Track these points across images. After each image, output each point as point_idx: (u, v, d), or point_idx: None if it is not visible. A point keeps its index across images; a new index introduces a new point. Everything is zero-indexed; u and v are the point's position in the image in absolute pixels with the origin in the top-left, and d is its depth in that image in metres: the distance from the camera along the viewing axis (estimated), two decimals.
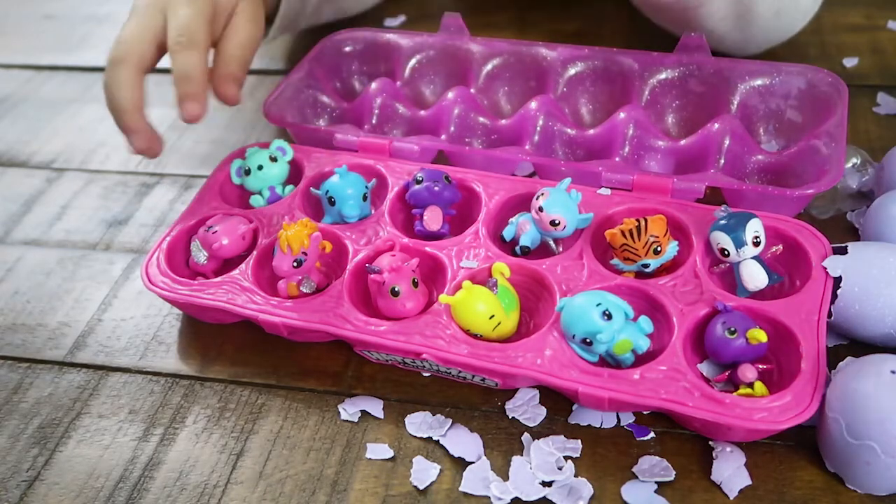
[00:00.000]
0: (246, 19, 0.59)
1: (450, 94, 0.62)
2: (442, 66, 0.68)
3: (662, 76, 0.61)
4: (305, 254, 0.50)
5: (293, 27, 0.74)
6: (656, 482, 0.43)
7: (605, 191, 0.54)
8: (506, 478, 0.44)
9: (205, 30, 0.55)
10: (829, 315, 0.46)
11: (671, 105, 0.62)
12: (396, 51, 0.68)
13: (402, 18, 0.85)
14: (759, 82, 0.59)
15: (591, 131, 0.60)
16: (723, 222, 0.48)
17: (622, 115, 0.58)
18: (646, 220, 0.48)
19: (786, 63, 0.59)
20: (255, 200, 0.58)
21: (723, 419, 0.42)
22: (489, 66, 0.66)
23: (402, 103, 0.65)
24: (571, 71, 0.63)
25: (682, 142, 0.58)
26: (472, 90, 0.65)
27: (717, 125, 0.56)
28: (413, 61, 0.68)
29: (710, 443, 0.44)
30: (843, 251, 0.47)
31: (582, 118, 0.64)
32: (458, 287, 0.48)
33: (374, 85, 0.65)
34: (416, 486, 0.44)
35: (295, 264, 0.50)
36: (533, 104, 0.60)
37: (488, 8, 0.84)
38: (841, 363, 0.46)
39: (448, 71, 0.68)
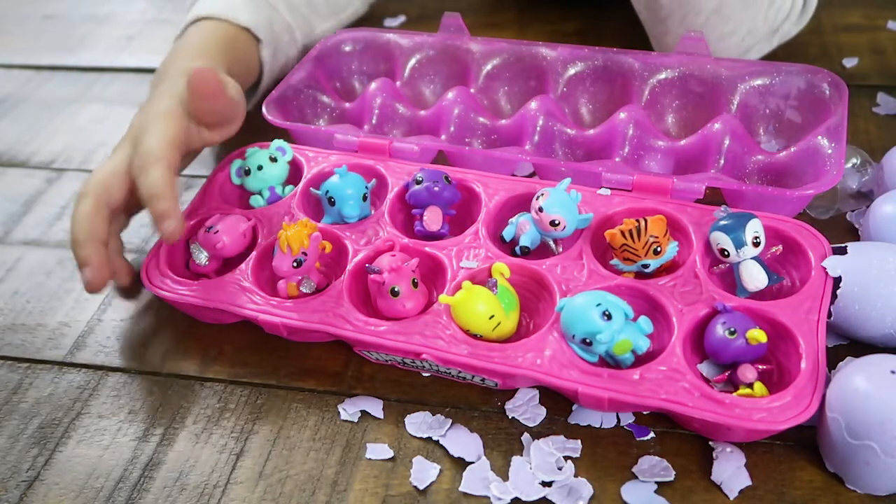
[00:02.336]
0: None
1: (450, 95, 0.62)
2: (442, 66, 0.68)
3: (662, 76, 0.61)
4: (305, 254, 0.50)
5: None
6: (656, 482, 0.43)
7: (604, 191, 0.54)
8: (506, 478, 0.44)
9: (168, 152, 0.53)
10: (829, 315, 0.46)
11: (671, 105, 0.62)
12: (396, 51, 0.68)
13: (402, 18, 0.85)
14: (758, 82, 0.59)
15: (591, 131, 0.60)
16: (722, 223, 0.48)
17: (622, 115, 0.58)
18: (645, 221, 0.48)
19: (786, 63, 0.59)
20: (255, 201, 0.58)
21: (722, 419, 0.42)
22: (489, 66, 0.66)
23: (401, 103, 0.65)
24: (571, 71, 0.63)
25: (682, 142, 0.58)
26: (472, 90, 0.65)
27: (717, 125, 0.56)
28: (413, 61, 0.68)
29: (710, 443, 0.44)
30: (843, 251, 0.47)
31: (582, 118, 0.64)
32: (458, 287, 0.48)
33: (373, 85, 0.65)
34: (416, 486, 0.44)
35: (295, 264, 0.50)
36: (533, 104, 0.60)
37: (488, 8, 0.84)
38: (841, 363, 0.46)
39: (448, 71, 0.68)
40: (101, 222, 0.53)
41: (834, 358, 0.47)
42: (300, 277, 0.51)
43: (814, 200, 0.56)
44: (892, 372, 0.40)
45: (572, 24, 0.80)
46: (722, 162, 0.55)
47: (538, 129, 0.59)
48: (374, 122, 0.64)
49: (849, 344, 0.48)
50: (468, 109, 0.62)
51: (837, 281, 0.46)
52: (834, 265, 0.47)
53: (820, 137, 0.55)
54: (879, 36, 0.74)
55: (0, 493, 0.47)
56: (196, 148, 0.58)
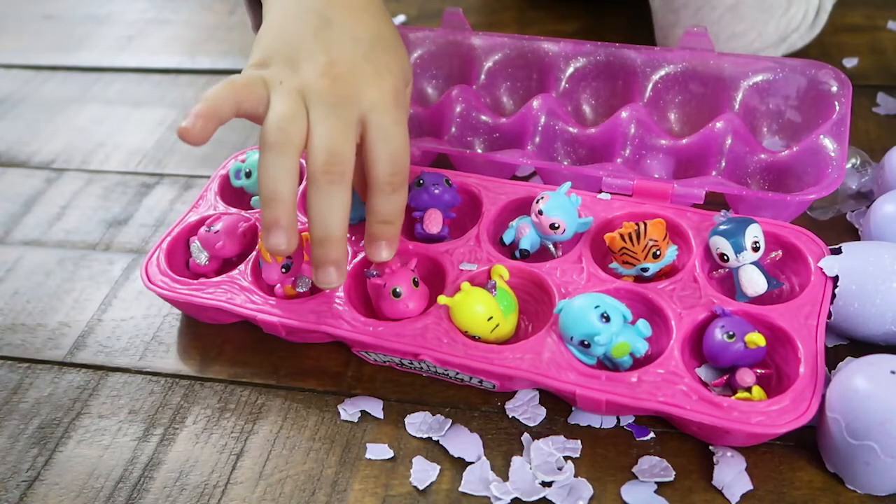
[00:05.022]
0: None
1: (452, 93, 0.62)
2: (444, 62, 0.67)
3: (665, 71, 0.61)
4: (290, 257, 0.50)
5: None
6: (656, 482, 0.43)
7: (605, 195, 0.54)
8: (506, 478, 0.44)
9: (353, 157, 0.45)
10: (829, 315, 0.46)
11: (674, 101, 0.61)
12: None
13: (401, 18, 0.85)
14: (762, 77, 0.59)
15: (593, 130, 0.60)
16: (722, 227, 0.48)
17: (624, 114, 0.58)
18: (645, 224, 0.48)
19: (790, 59, 0.59)
20: (257, 202, 0.58)
21: (720, 423, 0.41)
22: (490, 62, 0.66)
23: None
24: (574, 66, 0.63)
25: (684, 141, 0.58)
26: (474, 86, 0.65)
27: (719, 124, 0.56)
28: (414, 56, 0.68)
29: (711, 447, 0.44)
30: (838, 252, 0.48)
31: (584, 114, 0.64)
32: (458, 289, 0.48)
33: None
34: (415, 487, 0.44)
35: (283, 270, 0.50)
36: (535, 103, 0.60)
37: (489, 8, 0.84)
38: (841, 363, 0.46)
39: (450, 66, 0.67)
40: (298, 181, 0.46)
41: (834, 358, 0.47)
42: (293, 278, 0.51)
43: (814, 202, 0.56)
44: (893, 372, 0.40)
45: (573, 25, 0.80)
46: (723, 163, 0.55)
47: (540, 128, 0.59)
48: None
49: (849, 344, 0.48)
50: (470, 108, 0.62)
51: (836, 281, 0.46)
52: (830, 265, 0.47)
53: (822, 137, 0.54)
54: (879, 36, 0.74)
55: (0, 493, 0.47)
56: None
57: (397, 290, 0.48)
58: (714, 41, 0.60)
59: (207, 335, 0.54)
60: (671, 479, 0.43)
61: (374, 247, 0.47)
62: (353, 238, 0.54)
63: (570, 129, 0.60)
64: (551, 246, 0.52)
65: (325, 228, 0.44)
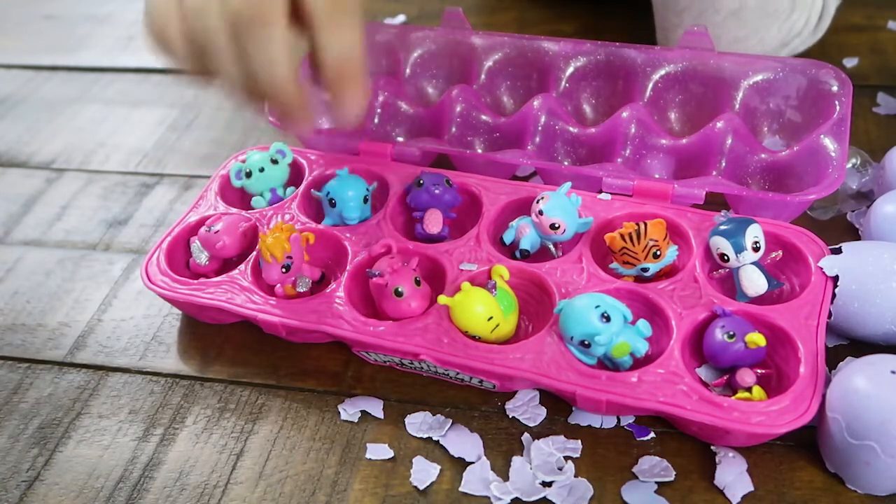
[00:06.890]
0: None
1: (452, 93, 0.62)
2: (444, 61, 0.67)
3: (665, 70, 0.60)
4: (290, 257, 0.50)
5: None
6: (656, 482, 0.43)
7: (605, 195, 0.54)
8: (506, 478, 0.44)
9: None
10: (829, 315, 0.46)
11: (674, 100, 0.61)
12: (398, 46, 0.68)
13: (401, 18, 0.85)
14: (762, 76, 0.59)
15: (594, 130, 0.60)
16: (723, 227, 0.48)
17: (624, 113, 0.58)
18: (645, 224, 0.48)
19: (790, 58, 0.59)
20: (257, 202, 0.58)
21: (720, 423, 0.42)
22: (490, 62, 0.65)
23: (404, 100, 0.65)
24: (574, 65, 0.63)
25: (685, 140, 0.58)
26: (475, 86, 0.65)
27: (719, 124, 0.56)
28: (415, 55, 0.67)
29: (713, 448, 0.44)
30: (838, 251, 0.48)
31: (585, 113, 0.64)
32: (458, 289, 0.48)
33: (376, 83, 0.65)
34: (416, 487, 0.44)
35: (283, 270, 0.50)
36: (535, 102, 0.60)
37: (488, 9, 0.85)
38: (841, 363, 0.46)
39: (450, 66, 0.67)
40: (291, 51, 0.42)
41: (834, 358, 0.47)
42: (293, 278, 0.51)
43: (814, 202, 0.56)
44: (893, 372, 0.40)
45: (573, 25, 0.80)
46: (724, 163, 0.55)
47: (540, 127, 0.59)
48: (376, 121, 0.64)
49: (849, 344, 0.48)
50: (470, 108, 0.62)
51: (836, 281, 0.46)
52: (830, 265, 0.47)
53: (823, 136, 0.54)
54: (879, 36, 0.74)
55: (0, 493, 0.47)
56: None
57: (399, 289, 0.48)
58: (716, 45, 0.60)
59: (207, 335, 0.54)
60: (671, 479, 0.43)
61: (337, 99, 0.41)
62: (353, 238, 0.54)
63: (571, 128, 0.60)
64: (551, 246, 0.52)
65: (269, 74, 0.39)
